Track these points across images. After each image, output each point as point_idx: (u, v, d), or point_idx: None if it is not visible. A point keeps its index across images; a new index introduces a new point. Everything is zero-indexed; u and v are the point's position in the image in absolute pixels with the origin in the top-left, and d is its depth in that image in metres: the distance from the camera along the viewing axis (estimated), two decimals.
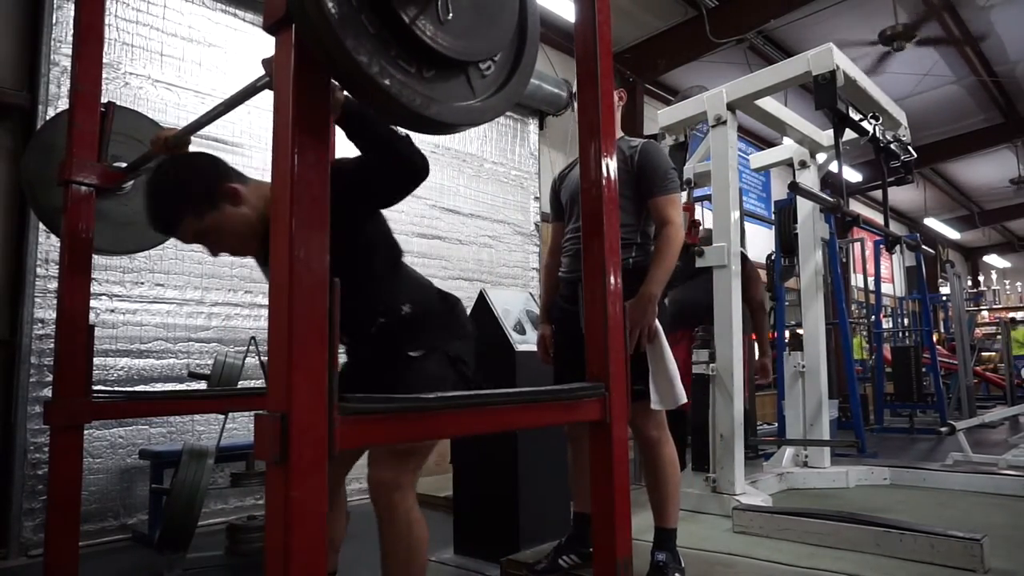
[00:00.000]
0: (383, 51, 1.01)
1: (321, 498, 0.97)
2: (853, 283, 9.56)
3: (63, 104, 3.25)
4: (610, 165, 1.61)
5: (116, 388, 3.34)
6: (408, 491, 1.55)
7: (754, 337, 3.74)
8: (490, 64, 1.19)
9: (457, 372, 1.65)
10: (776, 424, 4.50)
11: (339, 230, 1.36)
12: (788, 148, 3.93)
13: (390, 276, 1.67)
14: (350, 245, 1.44)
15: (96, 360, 2.42)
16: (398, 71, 1.02)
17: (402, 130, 1.41)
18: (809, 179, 3.77)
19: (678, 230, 2.10)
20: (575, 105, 1.67)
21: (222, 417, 3.16)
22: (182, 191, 1.52)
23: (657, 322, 2.00)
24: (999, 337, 11.45)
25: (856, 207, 10.40)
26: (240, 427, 3.81)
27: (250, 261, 1.82)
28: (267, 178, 1.16)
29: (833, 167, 3.69)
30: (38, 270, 3.30)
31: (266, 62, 1.35)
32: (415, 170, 1.47)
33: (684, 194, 3.42)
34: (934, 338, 7.82)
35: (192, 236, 1.55)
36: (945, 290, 10.08)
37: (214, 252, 1.62)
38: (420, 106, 1.04)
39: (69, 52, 2.17)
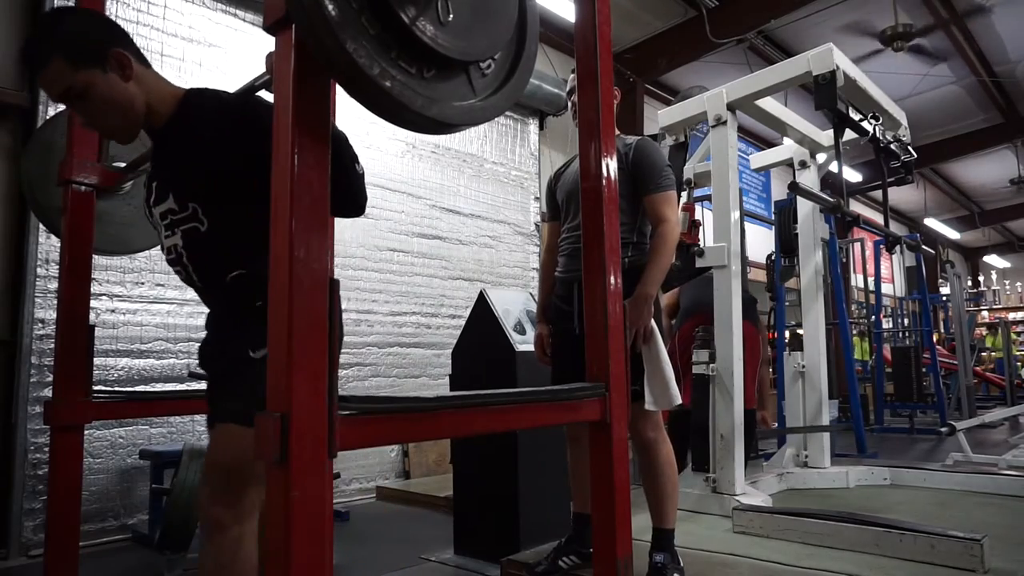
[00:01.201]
0: (384, 52, 1.01)
1: (321, 498, 0.97)
2: (853, 283, 9.56)
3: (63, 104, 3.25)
4: (610, 165, 1.61)
5: (116, 388, 3.34)
6: (249, 534, 1.37)
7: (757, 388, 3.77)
8: (490, 63, 1.18)
9: None
10: (776, 424, 4.52)
11: (236, 170, 1.36)
12: (788, 148, 3.93)
13: (265, 232, 1.38)
14: (241, 187, 1.36)
15: (96, 360, 2.41)
16: (399, 72, 1.02)
17: (360, 166, 1.35)
18: (809, 179, 3.77)
19: (673, 228, 2.10)
20: (575, 99, 1.67)
21: None
22: (69, 27, 1.39)
23: (653, 322, 2.00)
24: (989, 336, 11.49)
25: (856, 207, 10.39)
26: None
27: None
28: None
29: (833, 167, 3.69)
30: (38, 270, 3.30)
31: (269, 58, 1.34)
32: (355, 206, 1.37)
33: (684, 194, 3.42)
34: (934, 338, 7.81)
35: (60, 89, 1.38)
36: (945, 290, 10.07)
37: (83, 120, 1.50)
38: (422, 107, 1.04)
39: None
